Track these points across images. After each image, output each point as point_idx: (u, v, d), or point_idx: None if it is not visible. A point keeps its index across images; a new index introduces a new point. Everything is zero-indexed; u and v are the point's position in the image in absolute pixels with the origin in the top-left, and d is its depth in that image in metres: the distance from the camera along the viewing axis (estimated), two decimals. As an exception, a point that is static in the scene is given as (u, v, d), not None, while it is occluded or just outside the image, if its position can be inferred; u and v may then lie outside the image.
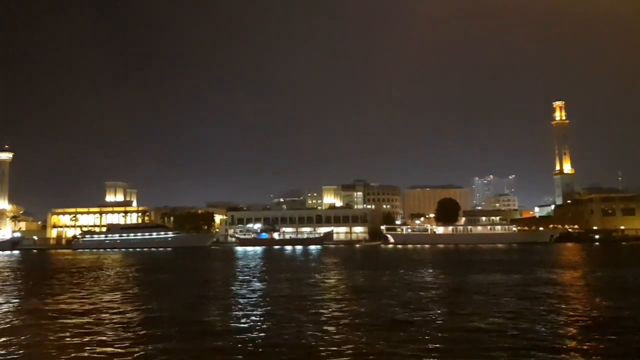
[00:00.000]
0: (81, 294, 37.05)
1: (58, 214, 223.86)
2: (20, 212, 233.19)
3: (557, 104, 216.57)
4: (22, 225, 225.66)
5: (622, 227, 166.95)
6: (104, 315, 27.01)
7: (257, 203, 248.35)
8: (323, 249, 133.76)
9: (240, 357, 18.05)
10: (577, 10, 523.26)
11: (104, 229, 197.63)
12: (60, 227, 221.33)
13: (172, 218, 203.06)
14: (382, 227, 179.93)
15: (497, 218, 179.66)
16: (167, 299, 34.15)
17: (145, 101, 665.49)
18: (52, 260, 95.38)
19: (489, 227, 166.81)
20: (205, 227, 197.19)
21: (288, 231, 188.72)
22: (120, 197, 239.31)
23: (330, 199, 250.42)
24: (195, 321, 24.85)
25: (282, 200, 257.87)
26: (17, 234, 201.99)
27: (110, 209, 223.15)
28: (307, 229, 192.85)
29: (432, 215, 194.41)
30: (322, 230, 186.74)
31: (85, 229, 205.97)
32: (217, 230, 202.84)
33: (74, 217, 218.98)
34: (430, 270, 54.45)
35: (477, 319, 23.96)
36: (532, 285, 38.47)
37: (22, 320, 25.95)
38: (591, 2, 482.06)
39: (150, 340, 20.61)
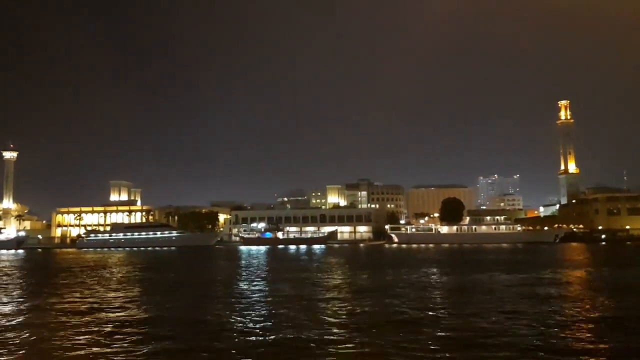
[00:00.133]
0: (85, 292, 37.09)
1: (62, 213, 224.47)
2: (25, 212, 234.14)
3: (562, 103, 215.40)
4: (27, 224, 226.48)
5: (628, 227, 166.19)
6: (107, 314, 27.00)
7: (261, 202, 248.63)
8: (327, 248, 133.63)
9: (244, 357, 17.98)
10: (582, 9, 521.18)
11: (108, 228, 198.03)
12: (65, 226, 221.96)
13: (176, 217, 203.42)
14: (387, 227, 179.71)
15: (502, 218, 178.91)
16: (171, 298, 34.10)
17: (149, 101, 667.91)
18: (56, 259, 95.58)
19: (493, 226, 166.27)
20: (210, 226, 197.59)
21: (292, 230, 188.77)
22: (124, 197, 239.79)
23: (334, 199, 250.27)
24: (198, 321, 24.81)
25: (286, 199, 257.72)
26: (22, 233, 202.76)
27: (114, 208, 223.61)
28: (311, 229, 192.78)
29: (436, 214, 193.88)
30: (326, 229, 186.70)
31: (89, 228, 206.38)
32: (221, 229, 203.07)
33: (79, 216, 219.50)
34: (435, 270, 54.24)
35: (480, 319, 23.84)
36: (536, 285, 38.28)
37: (28, 319, 25.98)
38: (597, 1, 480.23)
39: (154, 339, 20.57)
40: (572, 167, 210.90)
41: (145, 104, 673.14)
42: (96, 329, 22.74)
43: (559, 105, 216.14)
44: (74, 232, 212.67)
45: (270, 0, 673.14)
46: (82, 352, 18.47)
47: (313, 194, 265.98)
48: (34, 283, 47.27)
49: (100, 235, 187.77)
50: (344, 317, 25.10)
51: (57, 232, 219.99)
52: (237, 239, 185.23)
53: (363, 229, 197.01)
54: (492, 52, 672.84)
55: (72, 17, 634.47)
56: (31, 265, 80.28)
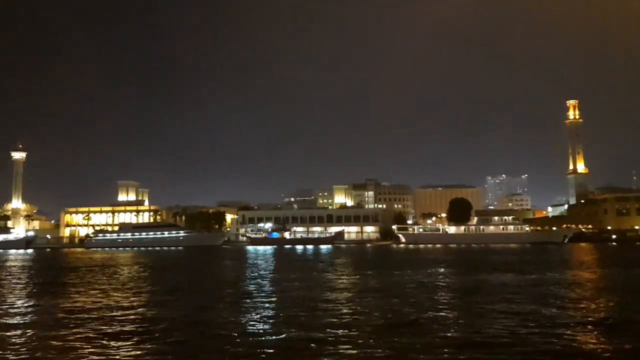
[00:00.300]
0: (93, 292, 37.22)
1: (71, 213, 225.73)
2: (34, 211, 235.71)
3: (571, 102, 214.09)
4: (36, 224, 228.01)
5: (637, 227, 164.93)
6: (114, 313, 27.01)
7: (268, 202, 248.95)
8: (334, 248, 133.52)
9: (248, 358, 17.91)
10: (590, 8, 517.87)
11: (116, 228, 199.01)
12: (73, 226, 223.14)
13: (183, 217, 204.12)
14: (394, 227, 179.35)
15: (510, 218, 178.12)
16: (177, 298, 34.12)
17: (157, 101, 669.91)
18: (65, 259, 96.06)
19: (501, 227, 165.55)
20: (217, 226, 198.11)
21: (299, 230, 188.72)
22: (132, 197, 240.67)
23: (341, 199, 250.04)
24: (204, 321, 24.80)
25: (293, 199, 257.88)
26: (31, 233, 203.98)
27: (122, 208, 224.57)
28: (318, 229, 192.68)
29: (443, 215, 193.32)
30: (333, 229, 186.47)
31: (97, 228, 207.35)
32: (228, 229, 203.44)
33: (87, 216, 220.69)
34: (442, 270, 54.02)
35: (487, 321, 23.66)
36: (545, 286, 37.98)
37: (35, 318, 26.07)
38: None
39: (159, 340, 20.58)
40: (581, 167, 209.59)
41: (155, 105, 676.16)
42: (102, 328, 22.76)
43: (568, 105, 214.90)
44: (83, 231, 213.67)
45: (282, 6, 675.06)
46: (86, 352, 18.46)
47: (320, 194, 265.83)
48: (42, 282, 47.49)
49: (108, 235, 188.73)
50: (350, 318, 24.98)
51: (66, 232, 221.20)
52: (244, 239, 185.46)
53: (370, 229, 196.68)
54: (501, 51, 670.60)
55: (83, 19, 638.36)
56: (40, 264, 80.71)
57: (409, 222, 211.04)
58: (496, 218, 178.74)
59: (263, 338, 20.87)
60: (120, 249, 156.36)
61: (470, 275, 47.46)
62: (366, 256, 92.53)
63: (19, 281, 48.60)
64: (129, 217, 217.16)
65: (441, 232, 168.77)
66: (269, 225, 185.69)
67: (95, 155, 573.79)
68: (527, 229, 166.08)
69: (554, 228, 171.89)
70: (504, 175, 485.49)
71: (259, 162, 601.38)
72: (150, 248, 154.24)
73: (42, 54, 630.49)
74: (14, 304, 31.54)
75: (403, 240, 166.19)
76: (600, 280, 42.93)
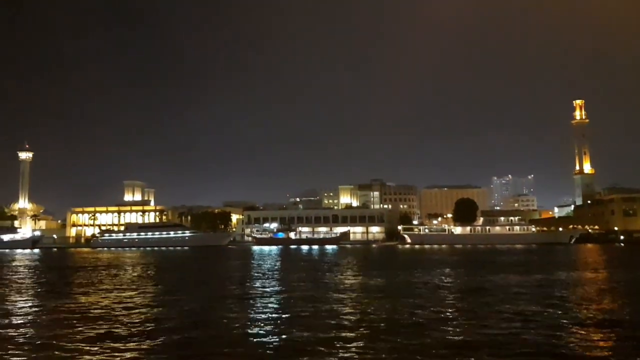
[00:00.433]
0: (98, 292, 37.35)
1: (77, 212, 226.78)
2: (40, 211, 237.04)
3: (577, 102, 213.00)
4: (42, 224, 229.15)
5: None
6: (119, 313, 27.07)
7: (274, 203, 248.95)
8: (339, 248, 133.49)
9: (252, 357, 17.90)
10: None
11: (122, 228, 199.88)
12: (80, 225, 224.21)
13: (189, 217, 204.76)
14: (399, 227, 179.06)
15: (516, 218, 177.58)
16: (182, 297, 34.14)
17: (162, 102, 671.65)
18: (71, 259, 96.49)
19: (507, 227, 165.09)
20: (222, 226, 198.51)
21: (304, 231, 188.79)
22: (138, 197, 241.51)
23: (347, 199, 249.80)
24: (209, 321, 24.85)
25: (298, 199, 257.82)
26: (37, 233, 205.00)
27: (128, 208, 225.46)
28: (323, 229, 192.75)
29: (449, 215, 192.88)
30: (339, 230, 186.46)
31: (103, 227, 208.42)
32: (234, 229, 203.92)
33: (93, 216, 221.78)
34: (447, 271, 53.86)
35: (492, 322, 23.57)
36: (551, 287, 37.84)
37: (42, 318, 26.18)
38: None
39: (164, 339, 20.59)
40: (587, 167, 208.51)
41: (161, 105, 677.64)
42: (107, 328, 22.81)
43: (574, 105, 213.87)
44: (89, 231, 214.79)
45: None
46: (91, 352, 18.51)
47: (325, 194, 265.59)
48: (48, 282, 47.67)
49: (114, 235, 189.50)
50: (355, 318, 24.93)
51: (72, 232, 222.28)
52: (250, 239, 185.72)
53: (375, 230, 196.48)
54: (507, 52, 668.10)
55: (89, 19, 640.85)
56: (47, 264, 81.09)
57: (415, 222, 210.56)
58: (502, 218, 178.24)
59: (267, 338, 20.85)
60: (126, 249, 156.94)
61: (476, 277, 47.29)
62: (372, 257, 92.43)
63: (25, 281, 48.85)
64: (134, 217, 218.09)
65: (447, 232, 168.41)
66: (274, 226, 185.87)
67: (102, 155, 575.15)
68: (533, 229, 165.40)
69: (560, 229, 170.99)
70: (510, 176, 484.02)
71: (264, 163, 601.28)
72: (156, 248, 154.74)
73: (44, 55, 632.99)
74: (20, 304, 31.70)
75: (409, 240, 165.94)
76: (606, 282, 42.66)
